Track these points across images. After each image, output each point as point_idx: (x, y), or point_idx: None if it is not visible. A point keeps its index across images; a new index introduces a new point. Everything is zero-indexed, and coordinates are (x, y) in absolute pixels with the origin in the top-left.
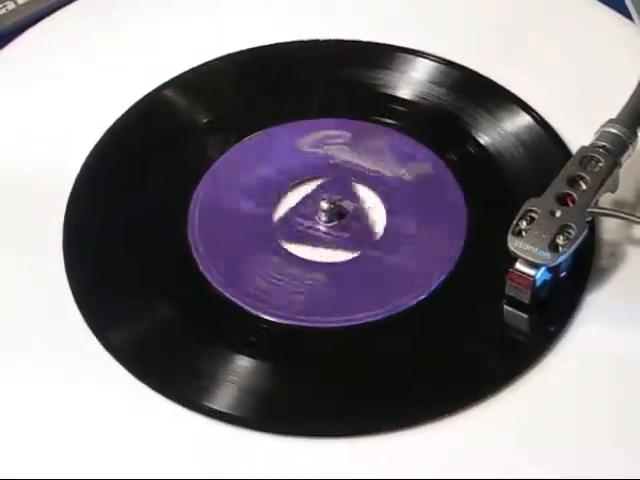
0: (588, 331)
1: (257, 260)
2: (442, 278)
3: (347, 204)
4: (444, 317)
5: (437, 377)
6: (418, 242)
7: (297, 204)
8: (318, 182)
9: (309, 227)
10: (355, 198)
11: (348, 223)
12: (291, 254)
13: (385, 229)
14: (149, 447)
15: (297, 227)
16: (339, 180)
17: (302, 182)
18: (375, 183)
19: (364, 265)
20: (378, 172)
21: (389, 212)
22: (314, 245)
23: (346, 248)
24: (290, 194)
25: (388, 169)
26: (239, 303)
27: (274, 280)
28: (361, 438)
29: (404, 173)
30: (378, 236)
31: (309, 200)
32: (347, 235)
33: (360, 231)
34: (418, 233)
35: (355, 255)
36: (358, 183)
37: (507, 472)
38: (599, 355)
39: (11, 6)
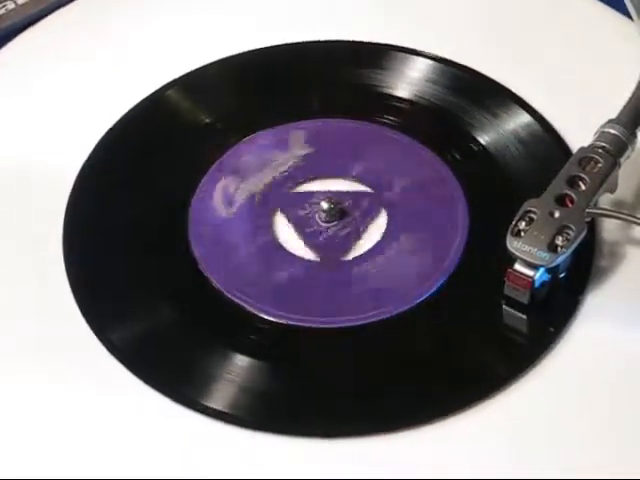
0: (588, 331)
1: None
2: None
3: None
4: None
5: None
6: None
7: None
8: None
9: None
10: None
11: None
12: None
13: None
14: (149, 446)
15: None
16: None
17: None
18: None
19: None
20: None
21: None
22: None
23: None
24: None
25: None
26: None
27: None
28: (361, 438)
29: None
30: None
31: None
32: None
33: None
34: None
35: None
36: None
37: (507, 472)
38: (599, 355)
39: (11, 6)
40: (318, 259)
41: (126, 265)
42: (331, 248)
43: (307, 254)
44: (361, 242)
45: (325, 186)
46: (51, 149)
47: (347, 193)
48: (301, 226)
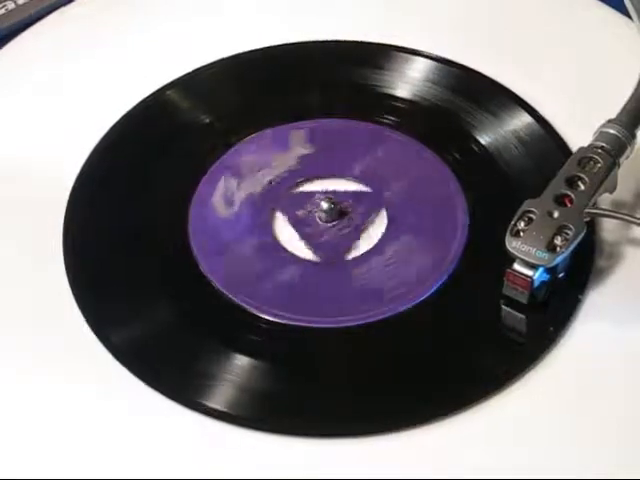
0: (588, 331)
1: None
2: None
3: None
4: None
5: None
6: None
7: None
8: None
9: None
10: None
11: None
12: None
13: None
14: (149, 446)
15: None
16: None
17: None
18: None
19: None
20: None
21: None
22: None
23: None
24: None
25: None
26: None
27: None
28: (361, 438)
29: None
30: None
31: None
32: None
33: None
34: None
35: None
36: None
37: (507, 472)
38: (599, 355)
39: (11, 6)
40: (318, 259)
41: (126, 265)
42: (331, 248)
43: (307, 254)
44: (361, 242)
45: (325, 186)
46: (51, 149)
47: (347, 193)
48: (301, 226)
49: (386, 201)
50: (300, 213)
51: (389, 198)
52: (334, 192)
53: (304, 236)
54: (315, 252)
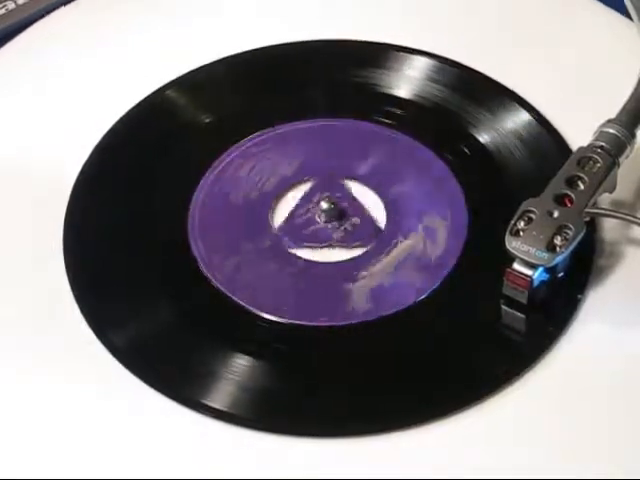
0: (588, 331)
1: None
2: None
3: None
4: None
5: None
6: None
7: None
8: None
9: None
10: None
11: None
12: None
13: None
14: (149, 446)
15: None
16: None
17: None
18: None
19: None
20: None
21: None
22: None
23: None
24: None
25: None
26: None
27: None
28: (360, 438)
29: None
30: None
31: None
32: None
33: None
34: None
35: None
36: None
37: (507, 472)
38: (599, 355)
39: (11, 6)
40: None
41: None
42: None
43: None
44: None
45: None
46: (51, 149)
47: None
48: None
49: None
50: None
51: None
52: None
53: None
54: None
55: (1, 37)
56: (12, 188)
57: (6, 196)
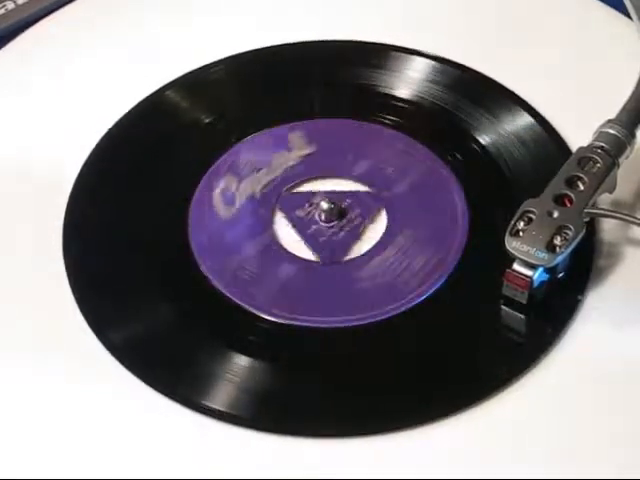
0: (588, 331)
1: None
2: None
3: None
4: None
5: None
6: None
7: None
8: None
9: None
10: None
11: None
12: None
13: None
14: (148, 446)
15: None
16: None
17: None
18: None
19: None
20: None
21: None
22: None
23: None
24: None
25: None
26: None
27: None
28: (360, 438)
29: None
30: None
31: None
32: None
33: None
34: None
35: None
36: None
37: (507, 472)
38: (598, 355)
39: (11, 6)
40: (318, 259)
41: (126, 265)
42: (331, 248)
43: (307, 254)
44: (361, 242)
45: (325, 186)
46: (51, 149)
47: (347, 193)
48: (301, 226)
49: (386, 201)
50: (300, 213)
51: (389, 198)
52: (334, 192)
53: (304, 236)
54: (315, 252)
55: (1, 37)
56: (12, 188)
57: (6, 196)
